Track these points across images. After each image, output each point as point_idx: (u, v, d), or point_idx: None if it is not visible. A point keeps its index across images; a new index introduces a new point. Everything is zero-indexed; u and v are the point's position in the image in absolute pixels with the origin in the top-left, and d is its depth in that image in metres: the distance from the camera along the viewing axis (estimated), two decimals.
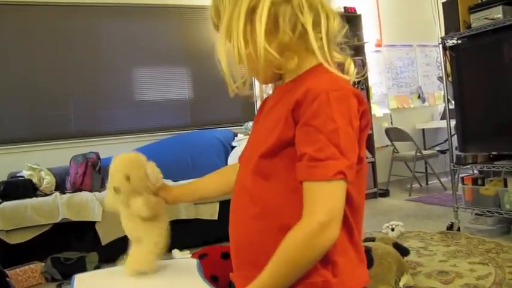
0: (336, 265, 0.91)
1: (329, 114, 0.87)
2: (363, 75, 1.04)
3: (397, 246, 2.79)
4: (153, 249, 1.21)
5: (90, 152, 4.05)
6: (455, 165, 3.85)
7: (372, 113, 5.60)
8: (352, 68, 0.97)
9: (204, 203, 3.85)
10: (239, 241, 0.99)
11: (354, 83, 1.01)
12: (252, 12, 0.93)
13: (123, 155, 1.25)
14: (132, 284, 1.19)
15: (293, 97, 0.91)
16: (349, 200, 0.91)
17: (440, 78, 4.65)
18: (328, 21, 0.96)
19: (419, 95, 6.38)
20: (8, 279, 2.25)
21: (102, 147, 4.23)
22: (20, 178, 3.86)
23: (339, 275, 0.91)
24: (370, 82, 5.69)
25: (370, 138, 5.48)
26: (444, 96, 4.05)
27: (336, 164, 0.86)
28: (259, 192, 0.95)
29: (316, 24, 0.95)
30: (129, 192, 1.20)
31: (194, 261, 1.31)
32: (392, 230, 3.64)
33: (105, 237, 3.51)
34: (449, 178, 5.10)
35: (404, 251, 2.81)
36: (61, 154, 4.24)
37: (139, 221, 1.22)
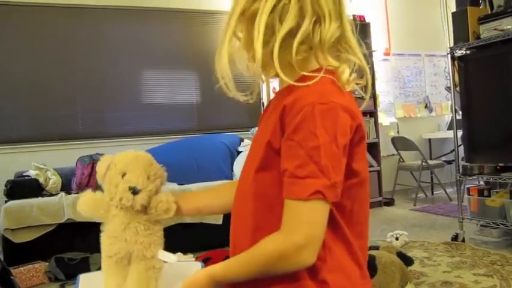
0: (328, 284, 0.88)
1: (311, 129, 0.81)
2: (367, 83, 0.97)
3: (401, 255, 2.78)
4: (162, 265, 1.13)
5: (97, 154, 4.06)
6: (462, 176, 3.84)
7: (379, 121, 5.59)
8: (345, 76, 0.91)
9: None
10: (236, 248, 0.97)
11: (362, 88, 0.98)
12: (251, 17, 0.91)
13: (133, 152, 1.16)
14: None
15: (282, 103, 0.87)
16: (347, 214, 0.90)
17: (448, 88, 4.65)
18: (320, 26, 0.88)
19: (427, 104, 6.37)
20: (12, 277, 2.26)
21: (109, 149, 4.24)
22: (26, 177, 3.88)
23: None
24: (378, 90, 5.68)
25: (376, 146, 5.47)
26: (452, 106, 4.04)
27: (315, 183, 0.81)
28: (255, 205, 0.93)
29: (314, 26, 0.88)
30: (149, 192, 1.11)
31: (199, 264, 1.31)
32: (397, 239, 3.62)
33: None
34: (455, 189, 5.08)
35: (408, 261, 2.79)
36: (68, 155, 4.26)
37: (156, 228, 1.13)
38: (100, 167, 1.14)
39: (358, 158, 0.89)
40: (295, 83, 0.88)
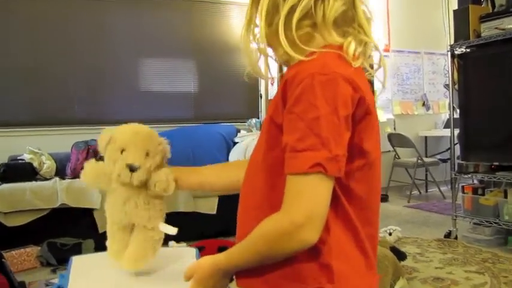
0: (331, 270, 0.84)
1: (311, 100, 0.79)
2: (380, 62, 0.96)
3: (394, 250, 2.79)
4: (161, 235, 1.13)
5: (92, 140, 4.04)
6: (457, 174, 3.84)
7: None
8: (351, 49, 0.87)
9: (204, 197, 3.84)
10: (240, 229, 0.96)
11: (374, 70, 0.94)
12: None
13: (133, 127, 1.13)
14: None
15: (285, 78, 0.85)
16: (354, 198, 0.86)
17: (446, 86, 4.65)
18: (324, 2, 0.87)
19: (424, 102, 6.37)
20: (4, 260, 2.25)
21: None
22: (20, 161, 3.86)
23: (336, 282, 0.84)
24: (376, 86, 5.67)
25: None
26: (449, 104, 4.04)
27: (315, 156, 0.78)
28: (260, 185, 0.91)
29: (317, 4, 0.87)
30: (148, 170, 1.09)
31: (193, 250, 1.30)
32: (390, 234, 3.63)
33: (103, 225, 3.47)
34: (449, 187, 5.09)
35: (401, 256, 2.81)
36: (63, 140, 4.23)
37: (156, 202, 1.12)
38: (101, 140, 1.13)
39: (366, 136, 0.85)
40: (300, 57, 0.86)
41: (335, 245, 0.85)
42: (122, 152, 1.09)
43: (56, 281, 2.73)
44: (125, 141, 1.09)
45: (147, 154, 1.10)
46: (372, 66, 0.94)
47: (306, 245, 0.81)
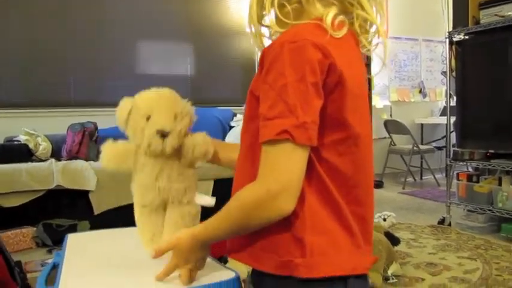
0: (303, 244, 0.83)
1: (280, 69, 0.78)
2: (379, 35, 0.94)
3: (388, 235, 2.81)
4: (199, 209, 1.06)
5: (88, 122, 4.03)
6: (452, 161, 3.86)
7: (372, 103, 5.59)
8: (329, 18, 0.85)
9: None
10: None
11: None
12: None
13: (156, 91, 1.04)
14: (129, 246, 1.18)
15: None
16: (336, 174, 0.85)
17: (444, 73, 4.65)
18: None
19: (421, 89, 6.38)
20: None
21: (100, 118, 4.20)
22: (16, 142, 3.85)
23: (308, 256, 0.83)
24: (372, 72, 5.66)
25: None
26: (446, 91, 4.05)
27: (283, 123, 0.77)
28: (244, 159, 0.92)
29: None
30: (179, 134, 0.99)
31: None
32: (384, 220, 3.66)
33: (98, 207, 3.51)
34: (444, 175, 5.12)
35: (394, 241, 2.83)
36: (59, 122, 4.21)
37: (190, 172, 1.04)
38: (121, 112, 1.05)
39: (345, 107, 0.83)
40: (280, 30, 0.87)
41: (310, 218, 0.83)
42: (147, 119, 1.01)
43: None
44: (150, 106, 1.01)
45: (175, 117, 1.02)
46: (370, 43, 0.93)
47: (282, 214, 0.81)
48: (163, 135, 0.98)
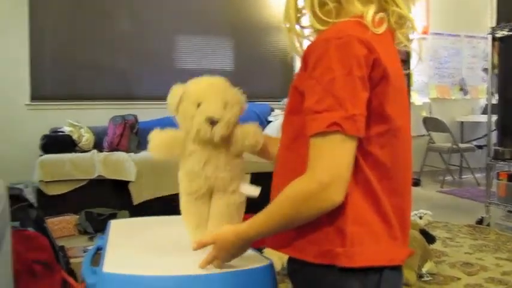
0: (345, 234, 0.85)
1: (327, 64, 0.81)
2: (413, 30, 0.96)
3: (424, 233, 2.79)
4: (244, 198, 1.07)
5: (129, 114, 4.15)
6: (492, 160, 3.78)
7: (411, 100, 5.51)
8: (369, 15, 0.87)
9: None
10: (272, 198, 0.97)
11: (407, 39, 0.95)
12: None
13: (207, 79, 1.05)
14: (172, 233, 1.22)
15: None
16: (377, 165, 0.87)
17: (485, 70, 4.54)
18: None
19: (462, 87, 6.23)
20: (45, 225, 2.37)
21: (141, 111, 4.32)
22: (60, 133, 4.00)
23: (348, 246, 0.85)
24: (412, 69, 5.58)
25: None
26: (488, 89, 3.95)
27: (332, 116, 0.80)
28: (287, 153, 0.94)
29: None
30: (228, 122, 0.99)
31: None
32: (420, 218, 3.61)
33: (137, 197, 3.62)
34: (484, 174, 5.00)
35: (430, 239, 2.80)
36: (101, 114, 4.35)
37: (237, 162, 1.05)
38: (172, 98, 1.06)
39: (387, 101, 0.86)
40: (322, 28, 0.90)
41: (351, 209, 0.85)
42: (198, 106, 1.01)
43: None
44: (200, 93, 1.02)
45: (225, 105, 1.02)
46: (407, 38, 0.96)
47: (333, 205, 0.83)
48: (212, 122, 0.99)
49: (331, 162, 0.82)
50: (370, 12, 0.88)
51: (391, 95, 0.86)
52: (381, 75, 0.85)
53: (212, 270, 0.96)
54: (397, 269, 0.91)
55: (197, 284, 0.95)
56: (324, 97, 0.81)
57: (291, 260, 0.95)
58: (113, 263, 1.01)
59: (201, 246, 0.97)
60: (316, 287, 0.90)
